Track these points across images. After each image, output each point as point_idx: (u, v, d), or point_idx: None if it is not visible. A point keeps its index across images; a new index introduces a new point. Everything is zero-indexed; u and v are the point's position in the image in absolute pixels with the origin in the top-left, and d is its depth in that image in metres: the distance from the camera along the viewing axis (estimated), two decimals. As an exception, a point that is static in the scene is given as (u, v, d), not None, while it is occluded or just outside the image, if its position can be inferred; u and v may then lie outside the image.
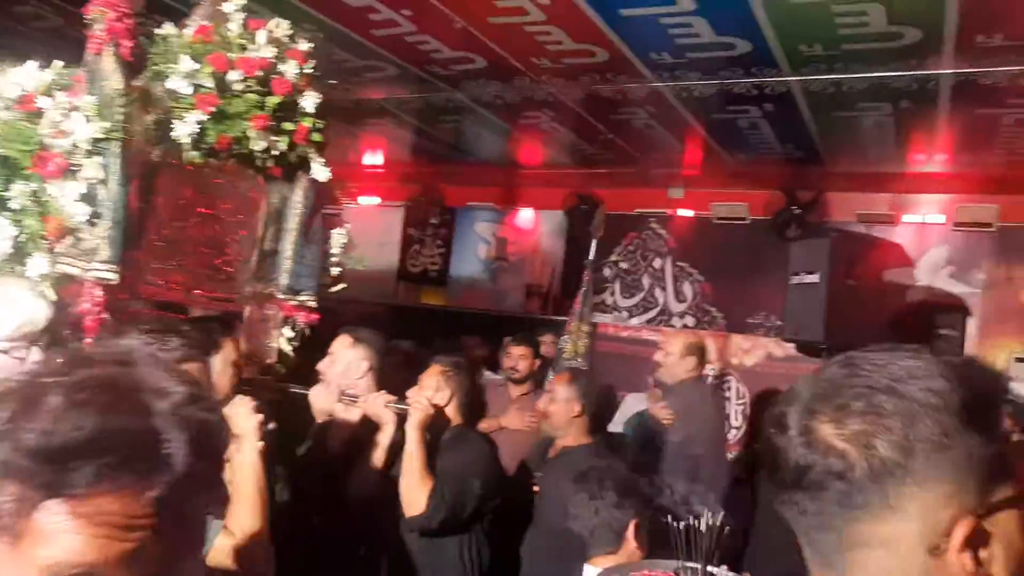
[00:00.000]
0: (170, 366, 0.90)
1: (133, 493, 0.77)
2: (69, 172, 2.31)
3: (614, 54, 5.11)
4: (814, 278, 6.01)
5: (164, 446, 0.79)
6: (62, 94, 2.33)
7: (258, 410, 2.20)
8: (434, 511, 2.91)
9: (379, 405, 2.88)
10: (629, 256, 8.24)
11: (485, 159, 7.83)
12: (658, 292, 8.06)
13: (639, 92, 5.82)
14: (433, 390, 3.03)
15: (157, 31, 2.58)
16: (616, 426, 5.63)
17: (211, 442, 0.85)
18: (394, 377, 3.38)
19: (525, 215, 8.43)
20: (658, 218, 8.06)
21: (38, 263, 2.27)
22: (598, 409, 3.64)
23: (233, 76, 2.62)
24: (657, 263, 8.09)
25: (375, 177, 8.47)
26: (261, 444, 2.19)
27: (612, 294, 8.26)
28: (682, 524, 2.10)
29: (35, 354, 2.17)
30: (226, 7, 2.74)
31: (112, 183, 2.33)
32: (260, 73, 2.73)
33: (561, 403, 3.47)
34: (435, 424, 3.03)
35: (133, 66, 2.48)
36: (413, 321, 7.26)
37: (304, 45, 2.97)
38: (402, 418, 2.93)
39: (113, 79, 2.38)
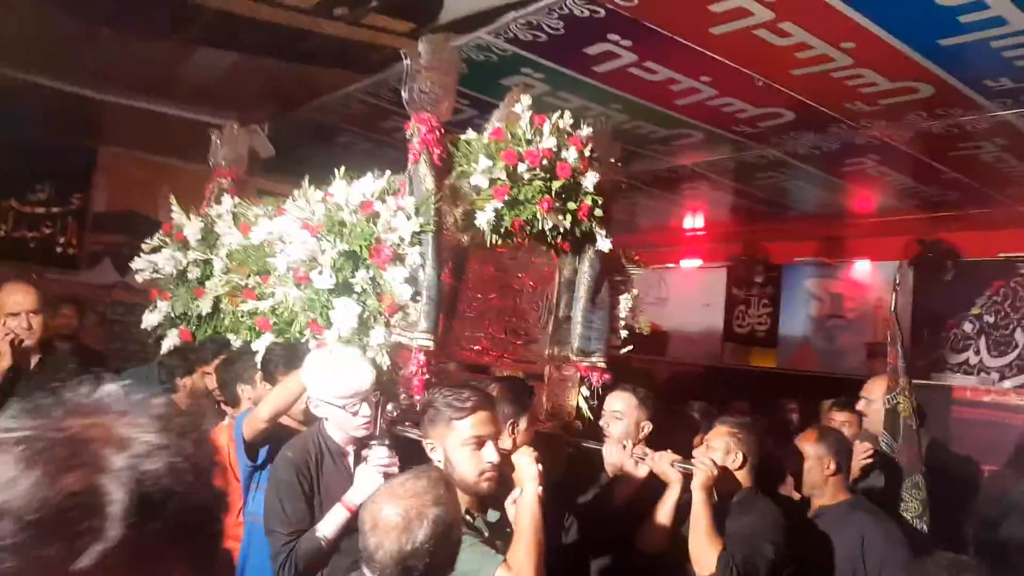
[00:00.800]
0: (156, 412, 0.83)
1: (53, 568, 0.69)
2: (397, 260, 2.99)
3: (940, 87, 4.86)
4: None
5: (103, 509, 0.71)
6: (391, 198, 3.04)
7: (538, 460, 2.59)
8: (724, 574, 3.06)
9: (666, 464, 3.13)
10: (995, 308, 7.47)
11: (810, 212, 7.70)
12: (1036, 349, 7.19)
13: (980, 124, 5.44)
14: (722, 452, 3.17)
15: (462, 137, 3.22)
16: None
17: (179, 495, 0.76)
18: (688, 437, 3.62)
19: (861, 268, 8.07)
20: (1030, 262, 7.24)
21: (378, 334, 2.95)
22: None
23: (522, 167, 3.16)
24: (1033, 315, 7.24)
25: (696, 240, 8.74)
26: (540, 490, 2.55)
27: (977, 352, 7.52)
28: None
29: (365, 409, 2.81)
30: (517, 108, 3.31)
31: (428, 267, 2.97)
32: (545, 161, 3.24)
33: (813, 460, 3.42)
34: (724, 486, 3.17)
35: (443, 169, 3.12)
36: (739, 383, 7.32)
37: (585, 131, 3.44)
38: (688, 478, 3.14)
39: (427, 182, 3.04)
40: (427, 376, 3.03)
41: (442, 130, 3.12)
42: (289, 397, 2.95)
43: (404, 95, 3.10)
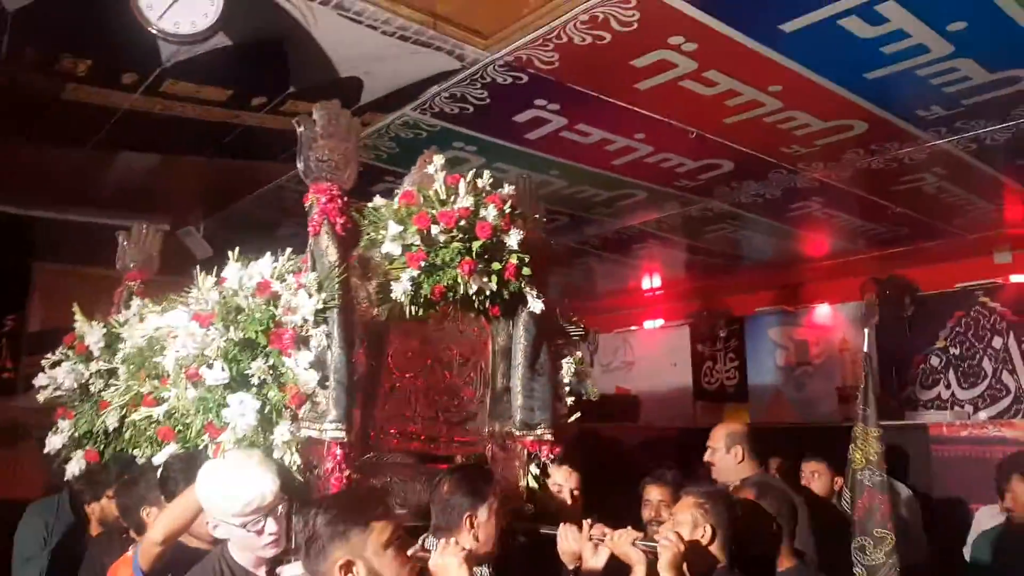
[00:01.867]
0: None
1: None
2: (301, 343, 2.57)
3: (873, 122, 4.62)
4: None
5: None
6: (292, 276, 2.63)
7: (467, 559, 2.15)
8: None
9: (626, 544, 2.66)
10: (959, 339, 7.13)
11: (764, 261, 7.41)
12: (1006, 377, 6.81)
13: (918, 155, 5.18)
14: (688, 526, 2.73)
15: (369, 205, 2.85)
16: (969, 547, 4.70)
17: None
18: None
19: (822, 312, 7.75)
20: (986, 290, 6.93)
21: (283, 430, 2.50)
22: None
23: (436, 230, 2.78)
24: (997, 342, 6.88)
25: (656, 299, 8.42)
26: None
27: (948, 386, 7.15)
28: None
29: (271, 525, 2.34)
30: (429, 169, 2.96)
31: (335, 347, 2.54)
32: (463, 222, 2.87)
33: None
34: (697, 566, 2.71)
35: (348, 240, 2.74)
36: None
37: (506, 189, 3.08)
38: (654, 558, 2.67)
39: (329, 254, 2.65)
40: (346, 473, 2.58)
41: (344, 199, 2.75)
42: (184, 516, 2.48)
43: (299, 166, 2.74)
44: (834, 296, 7.62)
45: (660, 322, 8.48)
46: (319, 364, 2.56)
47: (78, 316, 3.27)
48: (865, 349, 4.29)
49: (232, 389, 2.50)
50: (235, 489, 2.32)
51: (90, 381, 3.28)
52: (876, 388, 4.15)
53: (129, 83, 4.30)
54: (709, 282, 7.97)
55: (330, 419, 2.50)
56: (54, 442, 3.38)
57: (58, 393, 3.34)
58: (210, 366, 2.46)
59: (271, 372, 2.53)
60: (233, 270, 2.64)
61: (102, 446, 3.28)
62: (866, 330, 4.34)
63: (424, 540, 2.68)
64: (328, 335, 2.57)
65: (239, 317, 2.57)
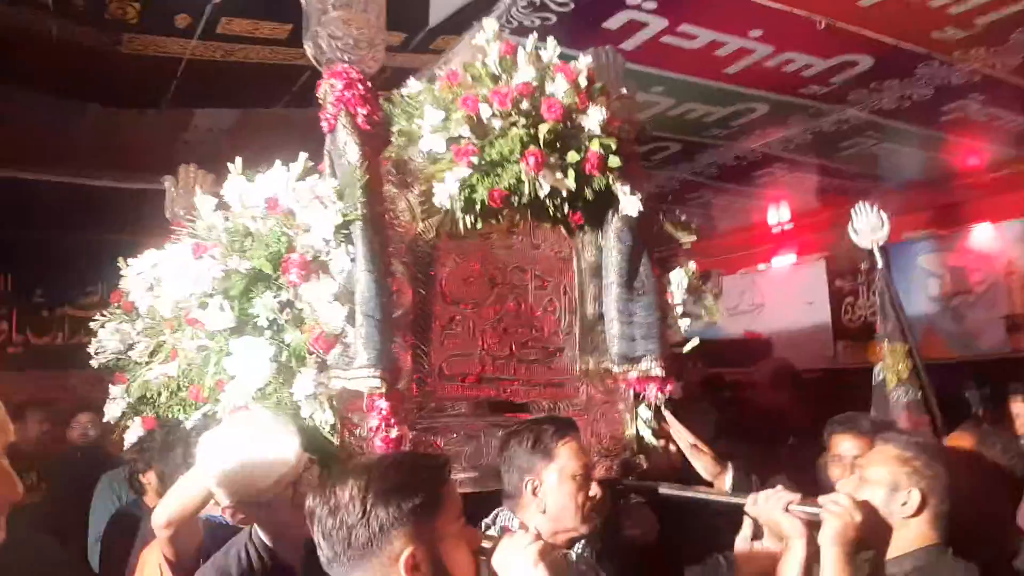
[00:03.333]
0: None
1: None
2: (321, 271, 1.88)
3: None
4: None
5: None
6: (304, 186, 1.94)
7: (542, 553, 1.39)
8: None
9: (775, 508, 1.81)
10: None
11: (911, 179, 6.16)
12: None
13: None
14: (885, 488, 1.82)
15: (402, 92, 2.11)
16: None
17: None
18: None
19: (983, 233, 6.39)
20: None
21: (305, 381, 1.83)
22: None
23: (487, 113, 2.01)
24: None
25: (786, 234, 7.28)
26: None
27: None
28: None
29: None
30: (478, 39, 2.18)
31: (360, 272, 1.83)
32: (524, 102, 2.08)
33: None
34: (886, 540, 1.82)
35: (376, 138, 2.01)
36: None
37: (582, 61, 2.27)
38: (815, 528, 1.80)
39: (350, 152, 1.93)
40: (395, 432, 1.87)
41: (367, 85, 2.02)
42: (191, 497, 1.85)
43: (307, 48, 2.04)
44: (996, 214, 6.25)
45: (792, 258, 7.33)
46: (346, 296, 1.86)
47: (123, 271, 2.73)
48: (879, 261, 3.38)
49: (236, 334, 1.84)
50: (245, 460, 1.67)
51: (137, 341, 2.74)
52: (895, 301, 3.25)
53: (184, 26, 3.81)
54: (847, 208, 6.75)
55: (359, 363, 1.79)
56: (112, 410, 2.87)
57: (110, 357, 2.82)
58: (204, 307, 1.80)
59: (285, 309, 1.85)
60: (236, 186, 1.97)
61: (159, 411, 2.74)
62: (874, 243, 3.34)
63: (497, 515, 1.95)
64: (352, 257, 1.86)
65: (246, 243, 1.90)
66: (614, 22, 3.71)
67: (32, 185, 4.74)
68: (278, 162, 2.02)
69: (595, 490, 1.92)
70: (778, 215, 6.97)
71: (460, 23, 3.88)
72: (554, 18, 3.62)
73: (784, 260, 7.37)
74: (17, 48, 3.80)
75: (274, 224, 1.93)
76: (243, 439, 1.71)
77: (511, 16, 3.63)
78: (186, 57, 4.03)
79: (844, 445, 2.61)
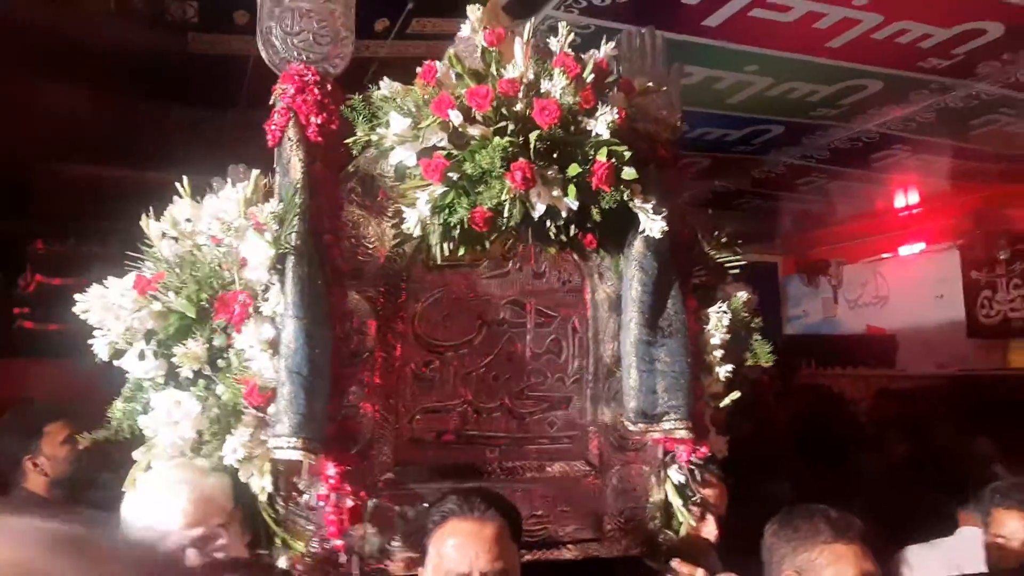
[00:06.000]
0: None
1: None
2: (256, 314, 1.52)
3: None
4: None
5: None
6: (246, 215, 1.58)
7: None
8: None
9: None
10: None
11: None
12: None
13: None
14: None
15: (375, 96, 1.68)
16: None
17: None
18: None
19: None
20: None
21: (233, 444, 1.48)
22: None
23: (458, 119, 1.55)
24: None
25: (913, 220, 6.27)
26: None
27: None
28: None
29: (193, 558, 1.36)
30: (463, 29, 1.72)
31: (286, 318, 1.45)
32: (516, 103, 1.60)
33: None
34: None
35: (334, 152, 1.62)
36: (1003, 396, 4.75)
37: (605, 49, 1.75)
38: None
39: (293, 169, 1.54)
40: (348, 502, 1.50)
41: (326, 87, 1.62)
42: None
43: (260, 48, 1.66)
44: None
45: (920, 246, 6.31)
46: (278, 344, 1.49)
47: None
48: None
49: (161, 386, 1.52)
50: (142, 512, 1.39)
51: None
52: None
53: (243, 23, 3.58)
54: (982, 193, 5.70)
55: (279, 430, 1.42)
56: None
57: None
58: (118, 355, 1.49)
59: (216, 358, 1.51)
60: (179, 208, 1.64)
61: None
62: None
63: None
64: (284, 295, 1.48)
65: (185, 277, 1.57)
66: (694, -5, 3.13)
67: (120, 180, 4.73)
68: (228, 181, 1.67)
69: None
70: (905, 200, 6.00)
71: (521, 5, 3.42)
72: (626, -6, 3.09)
73: (911, 249, 6.36)
74: (96, 52, 3.71)
75: (219, 256, 1.59)
76: (145, 491, 1.42)
77: (579, -5, 3.14)
78: (252, 55, 3.82)
79: (1011, 525, 1.91)
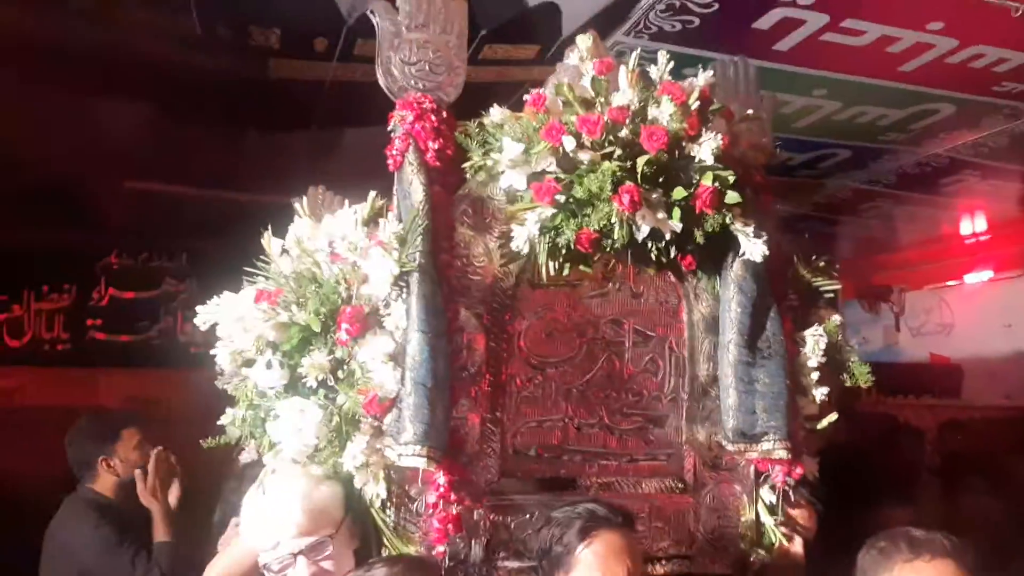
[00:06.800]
0: None
1: None
2: (377, 327, 1.61)
3: None
4: None
5: None
6: (366, 231, 1.68)
7: None
8: None
9: None
10: None
11: None
12: None
13: None
14: None
15: (482, 121, 1.78)
16: None
17: None
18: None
19: None
20: None
21: (354, 451, 1.57)
22: None
23: (571, 144, 1.64)
24: None
25: (981, 247, 6.17)
26: None
27: None
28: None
29: (302, 569, 1.45)
30: (570, 59, 1.81)
31: (411, 330, 1.54)
32: (622, 131, 1.69)
33: None
34: None
35: (449, 175, 1.71)
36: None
37: (700, 78, 1.82)
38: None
39: (415, 193, 1.64)
40: (451, 513, 1.58)
41: (443, 115, 1.72)
42: (239, 557, 1.65)
43: (379, 76, 1.77)
44: None
45: (988, 274, 6.20)
46: (402, 356, 1.58)
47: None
48: None
49: (286, 395, 1.62)
50: (258, 517, 1.48)
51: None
52: None
53: (322, 49, 3.74)
54: (1056, 220, 5.60)
55: (405, 439, 1.50)
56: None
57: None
58: (250, 363, 1.60)
59: (340, 369, 1.60)
60: (299, 227, 1.75)
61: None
62: None
63: None
64: (408, 311, 1.57)
65: (308, 292, 1.67)
66: (765, 22, 3.16)
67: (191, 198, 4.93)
68: (346, 202, 1.78)
69: None
70: (972, 226, 5.91)
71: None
72: (697, 21, 3.14)
73: (978, 276, 6.25)
74: (178, 76, 3.90)
75: (337, 272, 1.69)
76: (269, 494, 1.52)
77: (648, 21, 3.20)
78: (328, 79, 3.97)
79: None
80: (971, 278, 6.27)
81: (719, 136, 1.70)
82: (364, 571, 1.42)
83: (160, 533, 2.49)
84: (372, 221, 1.72)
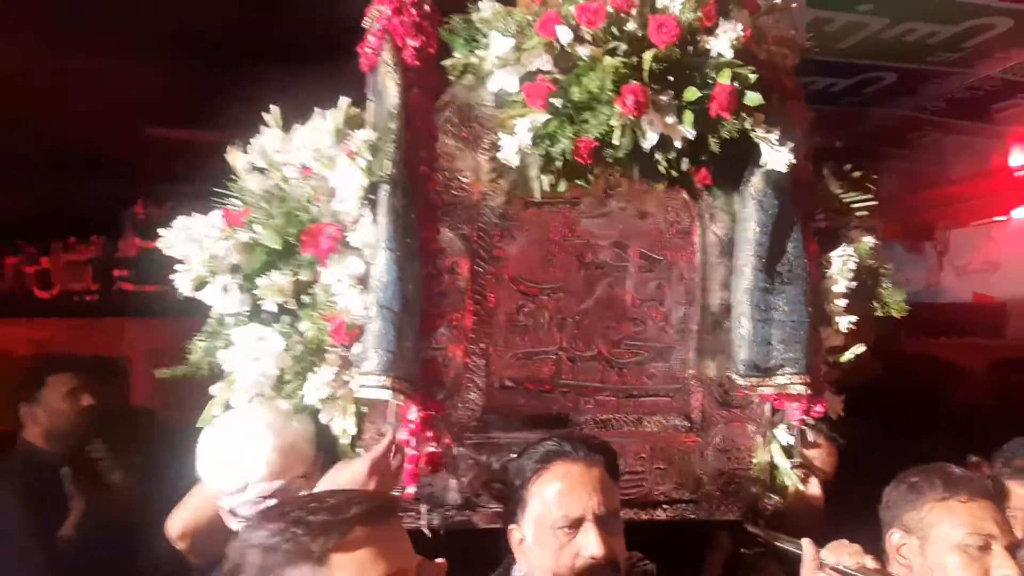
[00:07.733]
0: None
1: None
2: (346, 248, 1.45)
3: None
4: None
5: None
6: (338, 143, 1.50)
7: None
8: None
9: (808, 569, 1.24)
10: None
11: None
12: None
13: None
14: None
15: (473, 16, 1.57)
16: None
17: None
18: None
19: None
20: None
21: (316, 383, 1.43)
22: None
23: (567, 37, 1.43)
24: None
25: (1031, 180, 5.78)
26: None
27: None
28: None
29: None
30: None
31: (379, 250, 1.37)
32: (627, 22, 1.47)
33: None
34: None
35: (427, 75, 1.52)
36: None
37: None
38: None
39: (389, 95, 1.45)
40: (422, 450, 1.44)
41: (427, 8, 1.51)
42: (202, 503, 1.54)
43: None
44: None
45: (1038, 211, 5.83)
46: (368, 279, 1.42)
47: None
48: None
49: (244, 321, 1.48)
50: (220, 457, 1.36)
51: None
52: None
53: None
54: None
55: (367, 368, 1.35)
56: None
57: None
58: (200, 286, 1.45)
59: (300, 293, 1.45)
60: (268, 138, 1.58)
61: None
62: None
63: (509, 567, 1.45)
64: (378, 230, 1.40)
65: (273, 210, 1.51)
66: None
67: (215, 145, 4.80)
68: (316, 110, 1.60)
69: (595, 548, 1.24)
70: (1022, 157, 5.51)
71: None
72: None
73: (1026, 212, 5.88)
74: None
75: (309, 190, 1.52)
76: (229, 432, 1.39)
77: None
78: None
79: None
80: (1020, 212, 5.89)
81: (740, 26, 1.47)
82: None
83: None
84: (348, 132, 1.54)
